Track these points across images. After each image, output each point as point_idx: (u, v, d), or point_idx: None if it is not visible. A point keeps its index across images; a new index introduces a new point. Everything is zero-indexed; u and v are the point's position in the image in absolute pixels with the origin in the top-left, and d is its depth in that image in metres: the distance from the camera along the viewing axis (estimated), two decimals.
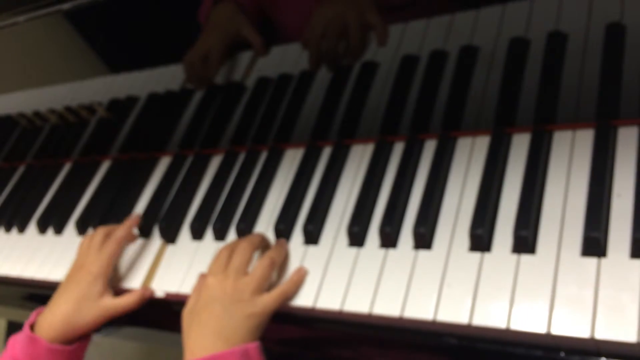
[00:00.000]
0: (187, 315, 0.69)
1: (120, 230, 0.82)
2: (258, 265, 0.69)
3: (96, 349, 0.90)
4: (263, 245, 0.74)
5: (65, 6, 1.00)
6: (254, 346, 0.64)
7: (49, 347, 0.73)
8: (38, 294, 0.95)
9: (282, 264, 0.72)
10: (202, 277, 0.73)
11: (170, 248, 0.84)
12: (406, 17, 0.81)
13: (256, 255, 0.73)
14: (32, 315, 0.78)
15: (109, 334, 0.84)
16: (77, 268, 0.80)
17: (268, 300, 0.67)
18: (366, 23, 0.78)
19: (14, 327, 1.70)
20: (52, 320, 0.75)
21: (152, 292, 0.79)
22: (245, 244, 0.71)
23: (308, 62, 0.86)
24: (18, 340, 0.76)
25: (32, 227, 1.02)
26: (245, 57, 0.94)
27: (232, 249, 0.71)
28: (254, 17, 0.89)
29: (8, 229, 1.05)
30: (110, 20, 1.02)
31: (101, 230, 0.83)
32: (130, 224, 0.83)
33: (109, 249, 0.80)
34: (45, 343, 0.74)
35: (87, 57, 1.09)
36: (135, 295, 0.78)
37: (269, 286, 0.70)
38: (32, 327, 0.76)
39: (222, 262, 0.70)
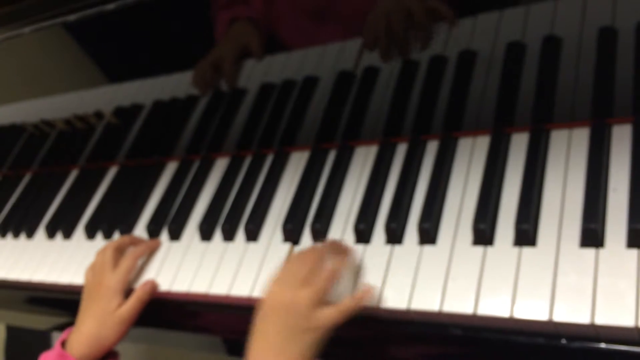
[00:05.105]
0: (259, 314, 0.68)
1: (139, 248, 0.85)
2: (319, 276, 0.66)
3: None
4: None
5: (71, 17, 1.02)
6: None
7: None
8: (40, 297, 0.97)
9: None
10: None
11: (180, 249, 0.85)
12: None
13: None
14: (65, 333, 0.81)
15: None
16: (95, 285, 0.82)
17: (326, 317, 0.64)
18: (429, 8, 0.80)
19: (13, 332, 1.70)
20: (79, 338, 0.78)
21: (152, 285, 0.81)
22: (310, 254, 0.69)
23: (380, 55, 0.85)
24: (50, 357, 0.78)
25: (40, 233, 1.04)
26: (249, 63, 0.97)
27: (303, 258, 0.69)
28: (265, 32, 0.93)
29: (16, 234, 1.07)
30: (111, 31, 1.04)
31: (111, 246, 0.85)
32: (150, 245, 0.86)
33: (126, 265, 0.82)
34: None
35: (88, 67, 1.11)
36: (136, 296, 0.80)
37: None
38: (63, 344, 0.79)
39: (290, 271, 0.68)
